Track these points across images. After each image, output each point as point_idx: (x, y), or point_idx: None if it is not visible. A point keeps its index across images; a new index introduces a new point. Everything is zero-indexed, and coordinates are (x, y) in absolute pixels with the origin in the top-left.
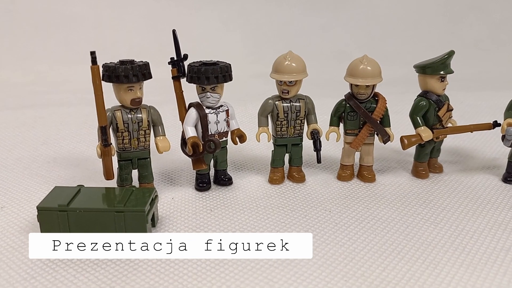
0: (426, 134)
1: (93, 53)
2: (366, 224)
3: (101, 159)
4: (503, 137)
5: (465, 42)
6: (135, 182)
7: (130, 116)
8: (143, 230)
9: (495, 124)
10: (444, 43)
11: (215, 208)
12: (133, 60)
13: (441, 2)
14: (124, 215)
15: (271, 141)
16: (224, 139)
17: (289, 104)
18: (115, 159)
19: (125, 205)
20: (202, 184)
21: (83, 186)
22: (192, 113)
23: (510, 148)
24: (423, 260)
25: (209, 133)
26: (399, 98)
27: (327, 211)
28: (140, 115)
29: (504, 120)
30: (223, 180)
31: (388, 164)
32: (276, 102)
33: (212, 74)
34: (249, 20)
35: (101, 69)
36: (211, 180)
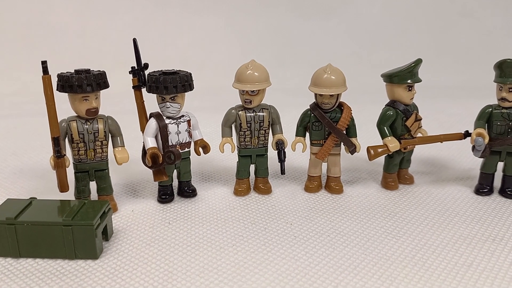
0: (393, 144)
1: (44, 63)
2: (326, 237)
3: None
4: (473, 148)
5: (455, 50)
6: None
7: (86, 126)
8: (92, 245)
9: (466, 134)
10: (434, 50)
11: (173, 221)
12: (89, 69)
13: (431, 9)
14: (72, 229)
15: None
16: (187, 149)
17: (252, 114)
18: (71, 170)
19: (73, 219)
20: (164, 196)
21: (36, 198)
22: (152, 124)
23: (482, 158)
24: (379, 276)
25: (170, 143)
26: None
27: (288, 223)
28: (97, 126)
29: (474, 129)
30: (187, 191)
31: (359, 175)
32: (239, 112)
33: (171, 84)
34: (237, 28)
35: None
36: (175, 192)
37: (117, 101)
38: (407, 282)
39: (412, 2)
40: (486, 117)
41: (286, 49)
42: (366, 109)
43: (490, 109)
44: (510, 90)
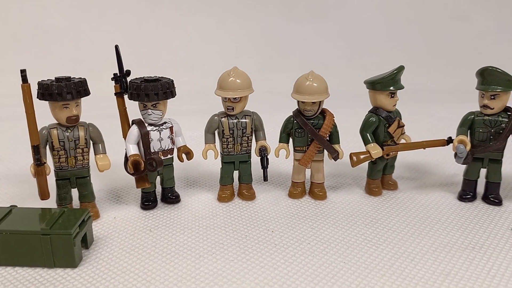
0: (376, 151)
1: (23, 71)
2: (306, 245)
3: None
4: (456, 154)
5: (447, 53)
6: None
7: (66, 134)
8: (70, 253)
9: (449, 141)
10: (426, 54)
11: (155, 228)
12: (70, 77)
13: (423, 12)
14: (51, 238)
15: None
16: (169, 156)
17: (235, 121)
18: (53, 177)
19: (51, 228)
20: (147, 202)
21: (16, 206)
22: (134, 131)
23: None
24: (357, 285)
25: (153, 150)
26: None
27: (270, 231)
28: (77, 133)
29: (456, 136)
30: (170, 198)
31: (343, 181)
32: (222, 119)
33: (152, 91)
34: (228, 31)
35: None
36: (158, 198)
37: (111, 104)
38: None
39: (404, 5)
40: (469, 124)
41: (278, 52)
42: (359, 112)
43: (473, 116)
44: (492, 97)
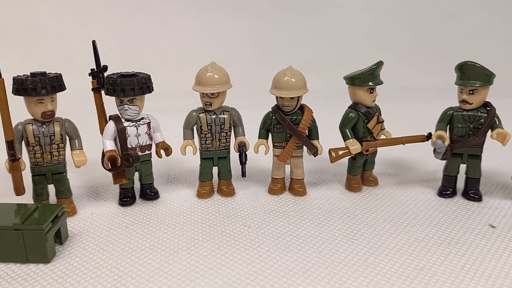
0: (355, 146)
1: None
2: (282, 240)
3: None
4: (434, 150)
5: (436, 51)
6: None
7: (42, 129)
8: (43, 249)
9: (429, 136)
10: (415, 51)
11: (131, 224)
12: (45, 72)
13: (412, 10)
14: (23, 233)
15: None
16: (147, 152)
17: (213, 117)
18: (29, 173)
19: (24, 223)
20: (125, 198)
21: None
22: (110, 126)
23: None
24: (329, 280)
25: (130, 146)
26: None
27: (247, 226)
28: (53, 129)
29: (435, 132)
30: (149, 194)
31: (324, 177)
32: (200, 115)
33: (128, 86)
34: (217, 30)
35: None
36: (137, 195)
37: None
38: (356, 286)
39: (393, 2)
40: (448, 119)
41: (266, 49)
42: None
43: (452, 111)
44: (471, 92)
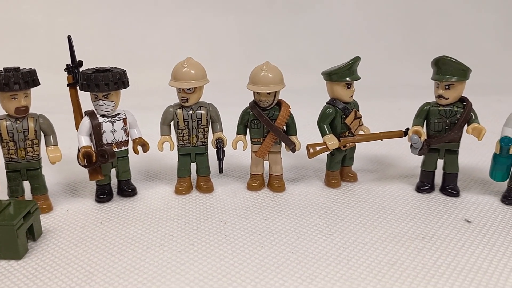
0: (332, 142)
1: None
2: (257, 236)
3: None
4: (411, 145)
5: (426, 49)
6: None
7: (15, 125)
8: (14, 245)
9: (407, 132)
10: (405, 49)
11: (106, 221)
12: (18, 67)
13: (402, 8)
14: None
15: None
16: (124, 148)
17: (190, 112)
18: (3, 170)
19: None
20: (102, 195)
21: None
22: (85, 122)
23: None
24: (301, 274)
25: (105, 142)
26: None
27: (222, 222)
28: (27, 124)
29: (412, 127)
30: (126, 191)
31: (304, 173)
32: (177, 110)
33: (103, 81)
34: (205, 27)
35: None
36: (114, 191)
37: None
38: (327, 281)
39: (383, 0)
40: (424, 115)
41: (256, 47)
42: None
43: (428, 107)
44: (447, 87)
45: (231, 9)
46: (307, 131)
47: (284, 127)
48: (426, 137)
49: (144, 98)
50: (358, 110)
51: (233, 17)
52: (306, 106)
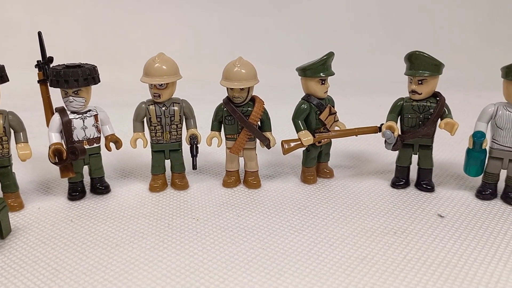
0: (307, 138)
1: None
2: (228, 232)
3: None
4: (386, 141)
5: (408, 44)
6: None
7: None
8: None
9: (381, 127)
10: (388, 45)
11: (77, 219)
12: None
13: (385, 4)
14: None
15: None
16: (95, 145)
17: (162, 108)
18: None
19: None
20: (74, 193)
21: None
22: (55, 119)
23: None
24: (269, 270)
25: (76, 139)
26: (340, 100)
27: (195, 219)
28: None
29: (385, 122)
30: (99, 188)
31: (281, 170)
32: (149, 106)
33: (72, 77)
34: (190, 24)
35: None
36: (87, 189)
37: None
38: (296, 276)
39: None
40: (398, 110)
41: (241, 44)
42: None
43: (402, 102)
44: (420, 82)
45: (215, 5)
46: (290, 127)
47: (259, 123)
48: (400, 133)
49: (126, 95)
50: (333, 106)
51: (218, 13)
52: (290, 101)
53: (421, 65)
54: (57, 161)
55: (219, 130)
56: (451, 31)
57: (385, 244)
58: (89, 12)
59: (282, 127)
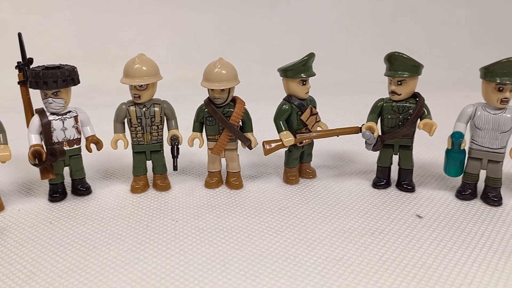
0: (288, 139)
1: None
2: (207, 234)
3: None
4: (366, 141)
5: (398, 45)
6: None
7: None
8: None
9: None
10: (377, 45)
11: (56, 220)
12: None
13: (374, 4)
14: None
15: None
16: (76, 146)
17: (143, 109)
18: None
19: None
20: (55, 194)
21: None
22: (35, 120)
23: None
24: (245, 272)
25: (56, 140)
26: (330, 101)
27: (174, 221)
28: None
29: (366, 123)
30: (80, 189)
31: (265, 170)
32: (129, 107)
33: (51, 79)
34: (180, 24)
35: None
36: (68, 190)
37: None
38: (271, 278)
39: None
40: (378, 111)
41: (229, 45)
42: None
43: (382, 103)
44: (399, 83)
45: (205, 5)
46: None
47: (241, 123)
48: (380, 133)
49: (114, 96)
50: (315, 107)
51: (208, 13)
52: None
53: (400, 66)
54: (37, 162)
55: (201, 131)
56: (442, 31)
57: (362, 245)
58: (78, 13)
59: (272, 126)
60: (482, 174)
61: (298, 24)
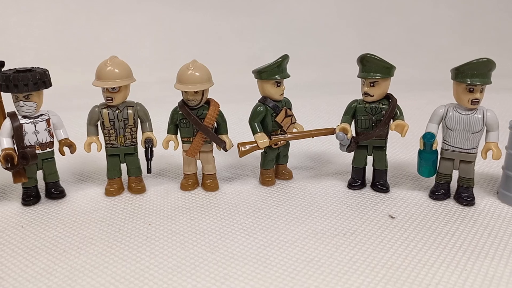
0: (263, 140)
1: None
2: (180, 237)
3: None
4: (340, 142)
5: (382, 46)
6: None
7: None
8: None
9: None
10: (361, 46)
11: (28, 224)
12: None
13: (358, 5)
14: None
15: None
16: (48, 150)
17: (116, 112)
18: None
19: None
20: (28, 198)
21: None
22: (6, 124)
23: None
24: (215, 275)
25: (28, 144)
26: (319, 101)
27: (147, 224)
28: None
29: (339, 124)
30: (54, 193)
31: (241, 172)
32: (102, 110)
33: (22, 82)
34: (162, 25)
35: None
36: (42, 193)
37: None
38: (240, 281)
39: None
40: (352, 112)
41: (215, 46)
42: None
43: (355, 104)
44: (372, 84)
45: (189, 7)
46: None
47: (215, 125)
48: (354, 134)
49: (99, 97)
50: (290, 108)
51: (191, 14)
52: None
53: (372, 67)
54: (9, 166)
55: (176, 133)
56: (427, 31)
57: (333, 246)
58: (61, 15)
59: None
60: (455, 174)
61: (282, 24)
